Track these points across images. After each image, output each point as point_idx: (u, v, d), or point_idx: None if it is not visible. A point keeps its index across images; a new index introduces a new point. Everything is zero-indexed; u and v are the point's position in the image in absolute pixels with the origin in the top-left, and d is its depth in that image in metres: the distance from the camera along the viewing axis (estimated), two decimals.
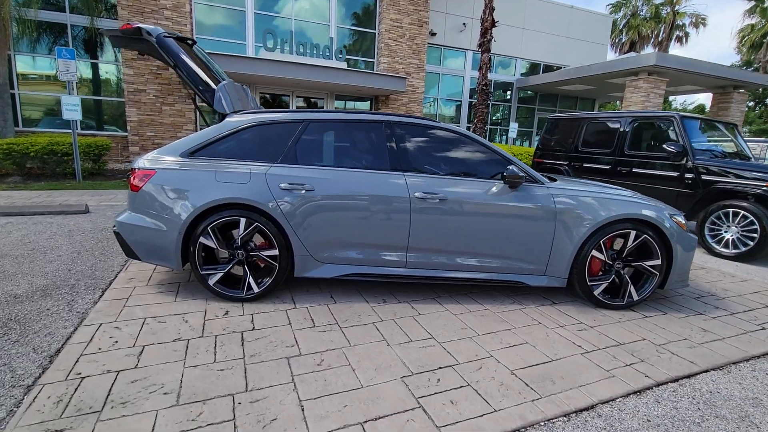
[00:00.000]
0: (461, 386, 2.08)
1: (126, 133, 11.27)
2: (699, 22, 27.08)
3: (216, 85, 3.24)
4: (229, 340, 2.43)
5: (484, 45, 13.15)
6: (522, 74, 17.29)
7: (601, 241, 3.01)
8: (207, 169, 2.90)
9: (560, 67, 17.32)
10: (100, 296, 3.00)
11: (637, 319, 2.99)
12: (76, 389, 1.94)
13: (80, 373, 2.05)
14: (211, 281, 2.93)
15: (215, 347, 2.35)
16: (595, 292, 3.09)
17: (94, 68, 11.44)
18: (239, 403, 1.88)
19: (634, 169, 6.10)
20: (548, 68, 17.51)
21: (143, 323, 2.60)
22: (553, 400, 2.00)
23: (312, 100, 13.36)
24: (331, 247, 2.97)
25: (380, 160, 3.03)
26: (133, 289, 3.14)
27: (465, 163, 3.13)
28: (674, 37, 27.70)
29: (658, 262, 3.06)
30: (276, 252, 2.92)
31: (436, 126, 3.15)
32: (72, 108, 7.76)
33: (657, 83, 12.64)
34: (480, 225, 2.98)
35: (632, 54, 17.58)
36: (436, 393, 2.02)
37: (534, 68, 17.60)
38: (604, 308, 3.13)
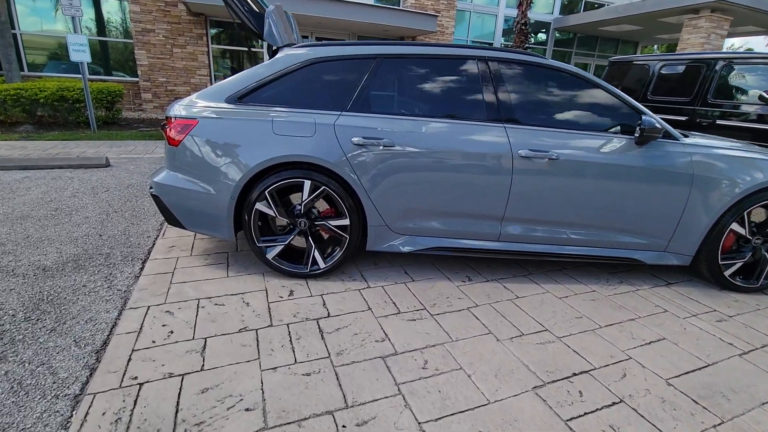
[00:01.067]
0: (613, 403, 1.65)
1: (136, 79, 10.52)
2: None
3: (264, 10, 2.57)
4: (305, 332, 2.01)
5: None
6: (560, 13, 15.64)
7: (746, 212, 2.44)
8: (261, 118, 2.33)
9: (602, 5, 15.60)
10: (141, 269, 2.58)
11: None
12: (135, 402, 1.54)
13: (136, 378, 1.66)
14: (270, 255, 2.47)
15: (291, 341, 1.93)
16: (726, 273, 2.57)
17: (97, 6, 10.44)
18: (343, 427, 1.47)
19: (718, 122, 5.33)
20: (589, 5, 15.80)
21: (198, 306, 2.18)
22: (741, 427, 1.56)
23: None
24: (412, 216, 2.46)
25: (475, 107, 2.42)
26: (177, 260, 2.71)
27: (582, 113, 2.50)
28: None
29: None
30: (346, 221, 2.42)
31: (548, 65, 2.47)
32: (79, 48, 7.02)
33: (720, 22, 11.23)
34: (596, 191, 2.41)
35: None
36: (586, 413, 1.59)
37: (572, 6, 15.90)
38: (733, 291, 2.63)
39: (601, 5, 15.67)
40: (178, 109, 2.43)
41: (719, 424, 1.56)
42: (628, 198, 2.43)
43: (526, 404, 1.62)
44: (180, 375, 1.68)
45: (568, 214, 2.46)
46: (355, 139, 2.30)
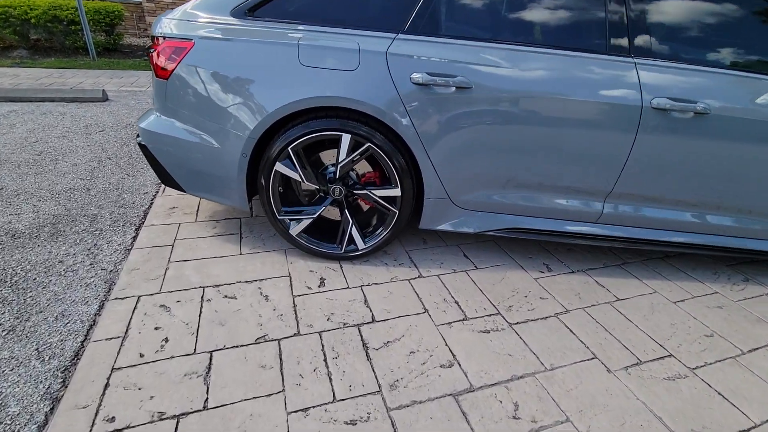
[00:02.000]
0: None
1: (139, 0, 9.43)
2: None
3: None
4: (344, 346, 1.48)
5: None
6: None
7: None
8: (282, 41, 1.62)
9: None
10: (133, 239, 2.05)
11: None
12: None
13: (113, 420, 1.17)
14: (294, 230, 1.90)
15: (326, 361, 1.41)
16: None
17: None
18: None
19: None
20: None
21: (202, 299, 1.67)
22: None
23: None
24: (485, 187, 1.81)
25: (591, 31, 1.65)
26: (178, 228, 2.17)
27: (748, 46, 1.71)
28: None
29: None
30: (396, 191, 1.79)
31: None
32: None
33: None
34: (761, 159, 1.71)
35: None
36: None
37: None
38: None
39: None
40: (166, 25, 1.73)
41: None
42: None
43: None
44: (174, 417, 1.19)
45: (710, 191, 1.78)
46: (416, 76, 1.59)
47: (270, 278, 1.82)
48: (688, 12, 1.66)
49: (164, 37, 1.71)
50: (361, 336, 1.54)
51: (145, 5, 9.39)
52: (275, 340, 1.49)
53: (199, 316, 1.57)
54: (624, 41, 1.64)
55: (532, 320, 1.68)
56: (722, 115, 1.63)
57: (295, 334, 1.52)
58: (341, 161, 1.74)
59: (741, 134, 1.65)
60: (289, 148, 1.70)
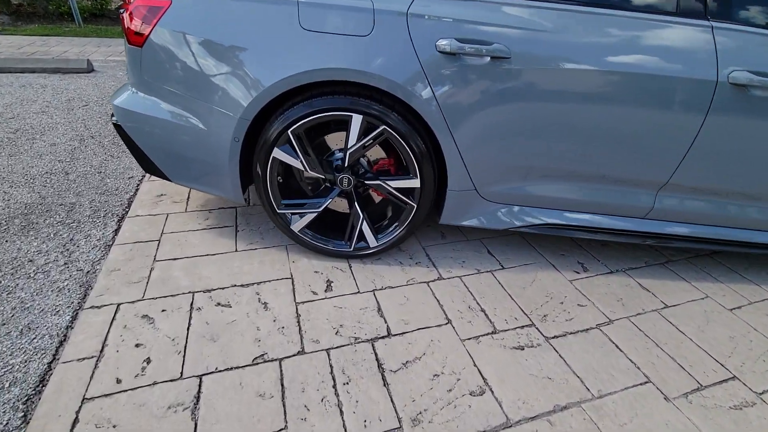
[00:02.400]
0: None
1: None
2: None
3: None
4: (357, 368, 1.27)
5: None
6: None
7: None
8: (279, 0, 1.33)
9: None
10: (115, 233, 1.82)
11: None
12: None
13: None
14: (297, 226, 1.66)
15: (335, 388, 1.20)
16: None
17: None
18: None
19: None
20: None
21: (192, 307, 1.45)
22: None
23: None
24: (520, 176, 1.55)
25: None
26: (166, 219, 1.93)
27: None
28: None
29: None
30: (415, 182, 1.53)
31: None
32: None
33: None
34: None
35: None
36: None
37: None
38: None
39: None
40: None
41: None
42: None
43: None
44: None
45: None
46: (442, 43, 1.30)
47: (269, 281, 1.60)
48: None
49: None
50: (376, 354, 1.32)
51: None
52: (276, 360, 1.27)
53: (188, 329, 1.36)
54: (698, 2, 1.33)
55: (571, 333, 1.46)
56: None
57: (299, 353, 1.30)
58: (351, 147, 1.47)
59: None
60: (288, 131, 1.43)
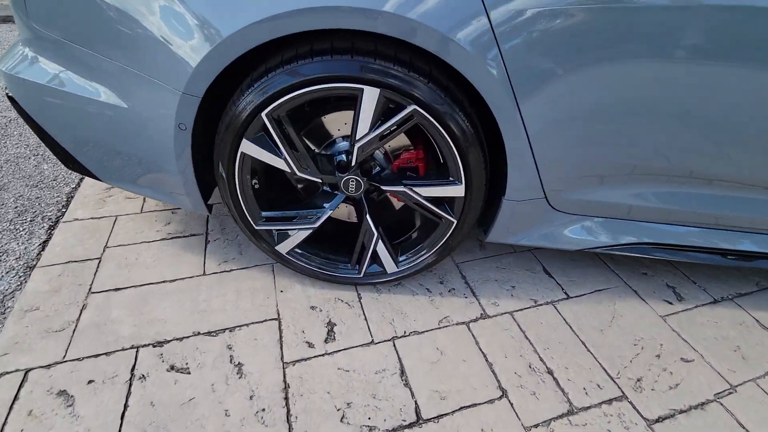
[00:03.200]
0: None
1: None
2: None
3: None
4: None
5: None
6: None
7: None
8: None
9: None
10: (41, 248, 1.35)
11: None
12: None
13: None
14: (285, 247, 1.17)
15: None
16: None
17: None
18: None
19: None
20: None
21: (132, 375, 0.99)
22: None
23: None
24: (617, 177, 1.03)
25: None
26: (113, 225, 1.45)
27: None
28: None
29: None
30: (458, 189, 1.02)
31: None
32: None
33: None
34: None
35: None
36: None
37: None
38: None
39: None
40: None
41: None
42: None
43: None
44: None
45: None
46: None
47: (247, 324, 1.14)
48: None
49: None
50: None
51: None
52: None
53: (122, 417, 0.92)
54: None
55: (681, 412, 1.01)
56: None
57: None
58: (361, 137, 0.95)
59: None
60: (263, 114, 0.90)
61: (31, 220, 1.45)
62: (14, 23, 3.42)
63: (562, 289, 1.32)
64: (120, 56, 0.89)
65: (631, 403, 1.02)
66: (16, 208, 1.50)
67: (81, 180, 1.67)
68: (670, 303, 1.30)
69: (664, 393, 1.04)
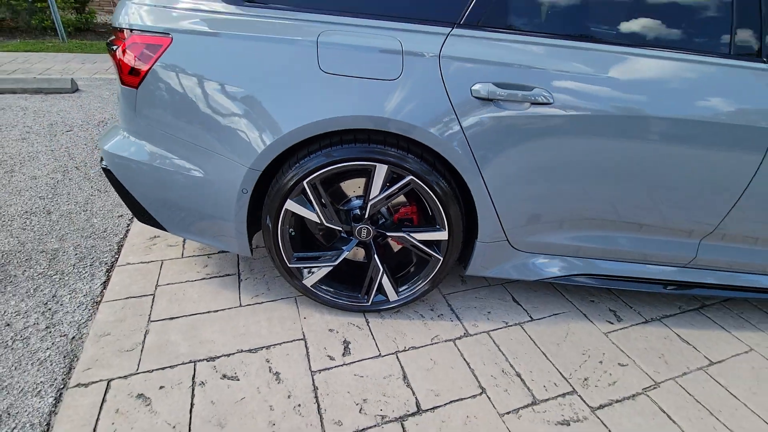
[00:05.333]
0: None
1: None
2: None
3: None
4: None
5: None
6: None
7: None
8: (296, 37, 1.18)
9: None
10: (103, 287, 1.63)
11: None
12: None
13: None
14: (310, 281, 1.50)
15: None
16: None
17: None
18: None
19: None
20: None
21: (194, 382, 1.27)
22: None
23: None
24: (558, 226, 1.42)
25: (707, 29, 1.25)
26: (161, 268, 1.75)
27: None
28: None
29: None
30: (442, 234, 1.39)
31: None
32: None
33: None
34: None
35: None
36: None
37: None
38: None
39: None
40: (135, 14, 1.27)
41: None
42: None
43: None
44: None
45: None
46: (478, 88, 1.18)
47: (280, 344, 1.43)
48: None
49: (131, 30, 1.26)
50: None
51: None
52: None
53: (191, 411, 1.18)
54: (754, 41, 1.24)
55: (617, 401, 1.32)
56: None
57: None
58: (373, 198, 1.33)
59: None
60: (304, 182, 1.28)
61: (90, 265, 1.74)
62: (46, 94, 3.85)
63: (528, 314, 1.66)
64: (205, 142, 1.27)
65: (579, 396, 1.33)
66: (76, 255, 1.79)
67: (127, 231, 1.99)
68: (611, 323, 1.65)
69: (604, 388, 1.36)
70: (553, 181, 1.31)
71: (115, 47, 1.31)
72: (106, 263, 1.76)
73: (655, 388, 1.38)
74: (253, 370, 1.33)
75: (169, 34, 1.22)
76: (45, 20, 6.26)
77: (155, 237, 1.95)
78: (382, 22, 1.20)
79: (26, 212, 2.05)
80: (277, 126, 1.20)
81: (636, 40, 1.23)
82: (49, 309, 1.50)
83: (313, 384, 1.30)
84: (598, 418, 1.27)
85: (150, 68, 1.24)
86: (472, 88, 1.18)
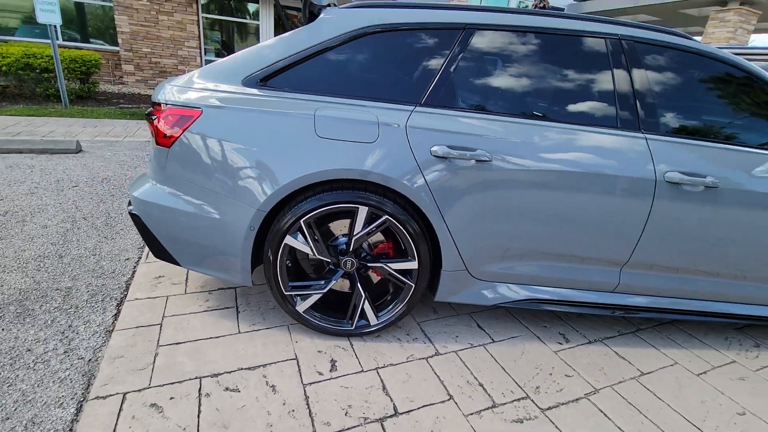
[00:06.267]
0: None
1: (117, 48, 9.41)
2: None
3: None
4: None
5: None
6: None
7: None
8: (299, 112, 1.57)
9: None
10: (115, 318, 1.83)
11: None
12: None
13: None
14: (302, 306, 1.75)
15: None
16: None
17: None
18: None
19: None
20: None
21: (200, 393, 1.46)
22: None
23: None
24: (504, 258, 1.75)
25: (602, 108, 1.70)
26: (166, 302, 1.96)
27: (747, 123, 1.81)
28: None
29: None
30: (413, 264, 1.70)
31: (711, 54, 1.76)
32: (47, 8, 5.98)
33: (748, 17, 10.63)
34: (765, 231, 1.76)
35: None
36: None
37: None
38: None
39: None
40: (171, 93, 1.64)
41: None
42: None
43: None
44: None
45: (719, 260, 1.79)
46: (436, 149, 1.56)
47: (275, 362, 1.64)
48: (691, 91, 1.75)
49: (168, 104, 1.62)
50: None
51: (122, 54, 9.37)
52: None
53: (198, 416, 1.36)
54: (634, 117, 1.69)
55: (563, 404, 1.57)
56: (732, 189, 1.68)
57: None
58: (356, 234, 1.64)
59: (746, 205, 1.70)
60: (301, 221, 1.59)
61: (102, 300, 1.94)
62: (52, 154, 4.15)
63: (489, 336, 1.93)
64: (224, 191, 1.58)
65: (532, 400, 1.57)
66: (88, 292, 1.99)
67: (134, 272, 2.20)
68: (561, 344, 1.93)
69: (552, 394, 1.61)
70: (497, 221, 1.66)
71: (154, 117, 1.66)
72: (116, 299, 1.96)
73: (595, 393, 1.64)
74: (252, 384, 1.52)
75: (199, 108, 1.58)
76: (49, 89, 6.74)
77: (160, 276, 2.17)
78: (363, 102, 1.60)
79: (40, 256, 2.26)
80: (283, 176, 1.53)
81: (550, 116, 1.67)
82: (66, 337, 1.68)
83: (305, 394, 1.50)
84: (547, 416, 1.50)
85: (182, 133, 1.59)
86: (431, 149, 1.57)
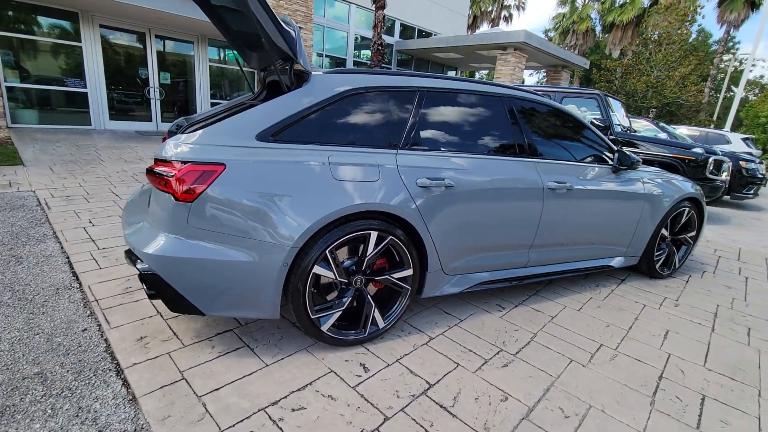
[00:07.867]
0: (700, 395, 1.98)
1: None
2: (520, 5, 31.84)
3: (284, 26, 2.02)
4: (429, 413, 1.71)
5: (379, 1, 12.59)
6: (400, 37, 17.34)
7: (669, 219, 3.26)
8: (316, 160, 1.87)
9: (431, 34, 18.06)
10: (126, 386, 1.71)
11: (691, 283, 3.40)
12: None
13: None
14: (326, 326, 2.01)
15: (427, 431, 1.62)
16: (657, 266, 3.38)
17: None
18: None
19: None
20: (422, 33, 18.02)
21: (273, 421, 1.60)
22: None
23: (175, 41, 10.51)
24: (464, 255, 2.37)
25: (508, 144, 2.50)
26: (170, 358, 1.90)
27: (575, 147, 2.87)
28: (502, 17, 31.97)
29: (694, 233, 3.53)
30: (409, 272, 2.16)
31: (554, 106, 2.76)
32: None
33: (521, 58, 14.44)
34: (595, 212, 2.84)
35: (502, 29, 19.57)
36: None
37: (409, 32, 17.85)
38: (657, 278, 3.47)
39: (429, 35, 18.07)
40: (187, 151, 1.72)
41: None
42: (613, 216, 2.94)
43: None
44: None
45: (576, 235, 2.81)
46: (420, 181, 2.08)
47: (317, 378, 1.87)
48: (546, 129, 2.74)
49: (187, 162, 1.70)
50: (433, 400, 1.80)
51: None
52: (375, 430, 1.60)
53: None
54: (524, 148, 2.56)
55: (522, 348, 2.26)
56: (579, 188, 2.70)
57: (386, 419, 1.66)
58: (369, 254, 2.02)
59: (586, 199, 2.76)
60: (327, 251, 1.88)
61: (94, 375, 1.77)
62: None
63: (457, 318, 2.52)
64: (255, 235, 1.75)
65: (505, 351, 2.22)
66: (70, 371, 1.77)
67: (106, 340, 2.01)
68: (501, 311, 2.66)
69: (513, 343, 2.29)
70: (460, 227, 2.28)
71: (165, 174, 1.70)
72: (111, 369, 1.81)
73: (535, 336, 2.40)
74: (312, 400, 1.73)
75: (222, 163, 1.73)
76: None
77: (143, 338, 2.04)
78: (365, 149, 2.01)
79: None
80: (314, 214, 1.81)
81: (482, 151, 2.39)
82: (87, 417, 1.54)
83: (358, 393, 1.80)
84: (519, 357, 2.17)
85: (206, 187, 1.70)
86: (417, 181, 2.08)
